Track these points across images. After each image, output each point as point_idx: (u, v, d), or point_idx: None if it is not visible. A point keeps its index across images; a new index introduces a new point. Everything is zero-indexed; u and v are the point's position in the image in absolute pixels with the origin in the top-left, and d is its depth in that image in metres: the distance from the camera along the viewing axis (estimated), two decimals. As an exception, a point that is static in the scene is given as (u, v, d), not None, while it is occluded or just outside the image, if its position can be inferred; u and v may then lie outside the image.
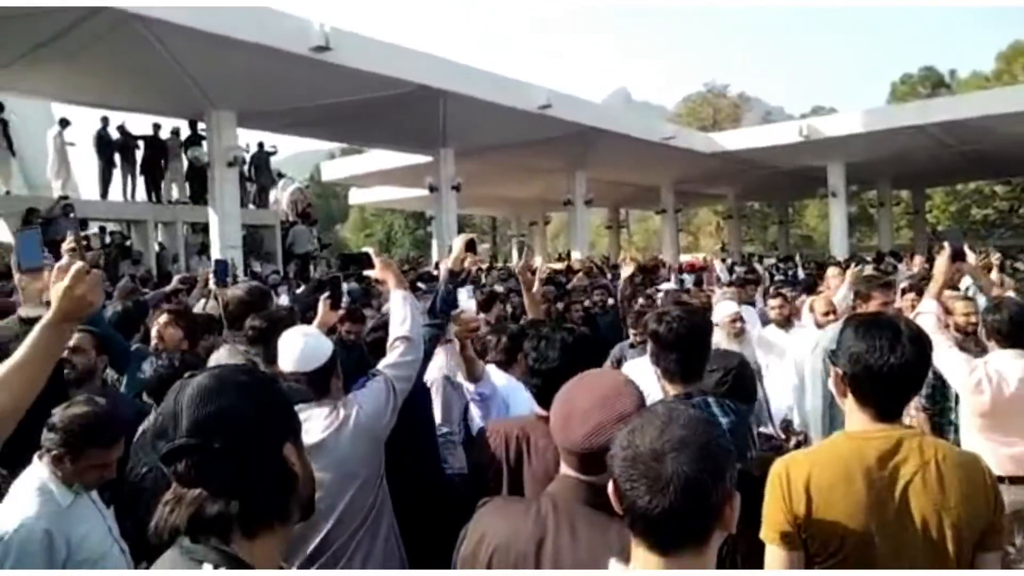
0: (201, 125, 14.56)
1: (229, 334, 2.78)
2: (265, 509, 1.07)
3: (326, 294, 3.32)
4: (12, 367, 1.48)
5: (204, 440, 1.04)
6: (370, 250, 2.62)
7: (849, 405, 1.69)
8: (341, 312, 3.38)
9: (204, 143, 14.52)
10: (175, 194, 15.40)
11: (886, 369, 1.59)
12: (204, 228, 14.62)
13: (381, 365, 2.44)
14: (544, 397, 2.13)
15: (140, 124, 14.97)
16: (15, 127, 13.49)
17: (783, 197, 34.68)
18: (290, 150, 26.23)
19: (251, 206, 16.38)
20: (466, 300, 2.54)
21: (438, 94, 14.30)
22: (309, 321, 3.19)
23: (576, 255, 19.98)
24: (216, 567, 1.01)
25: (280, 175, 19.06)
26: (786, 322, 5.36)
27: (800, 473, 1.60)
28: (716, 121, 47.71)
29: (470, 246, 2.91)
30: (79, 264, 1.53)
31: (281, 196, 18.14)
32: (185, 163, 15.17)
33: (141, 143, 14.65)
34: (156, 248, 14.56)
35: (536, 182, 24.62)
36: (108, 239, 14.19)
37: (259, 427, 1.08)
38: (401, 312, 2.52)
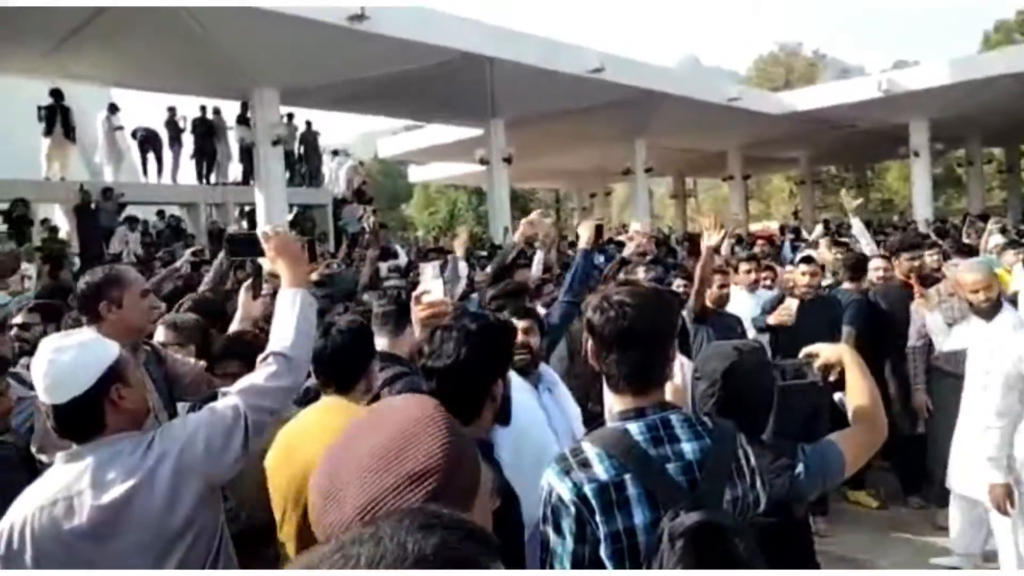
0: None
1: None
2: None
3: (248, 281, 2.72)
4: None
5: None
6: (265, 230, 1.96)
7: None
8: (264, 300, 2.74)
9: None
10: (231, 176, 15.46)
11: None
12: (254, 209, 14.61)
13: (235, 387, 1.76)
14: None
15: (191, 106, 15.09)
16: (75, 115, 13.69)
17: (861, 159, 32.62)
18: (357, 129, 26.12)
19: (303, 186, 16.31)
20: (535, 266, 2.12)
21: (484, 61, 13.75)
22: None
23: (636, 226, 19.13)
24: None
25: (335, 152, 18.90)
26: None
27: None
28: (789, 82, 45.28)
29: (599, 231, 3.51)
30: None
31: (337, 174, 17.95)
32: (234, 143, 15.19)
33: (190, 125, 14.72)
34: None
35: (594, 152, 23.73)
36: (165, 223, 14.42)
37: None
38: (288, 318, 1.81)
